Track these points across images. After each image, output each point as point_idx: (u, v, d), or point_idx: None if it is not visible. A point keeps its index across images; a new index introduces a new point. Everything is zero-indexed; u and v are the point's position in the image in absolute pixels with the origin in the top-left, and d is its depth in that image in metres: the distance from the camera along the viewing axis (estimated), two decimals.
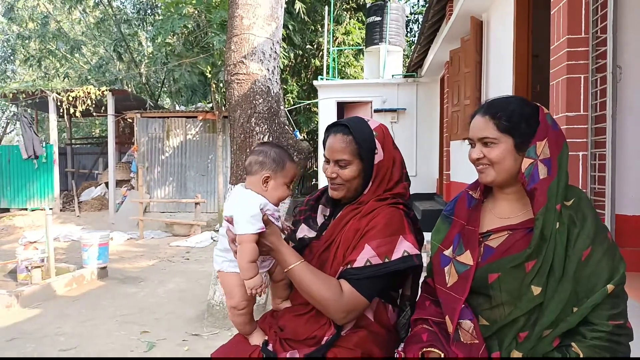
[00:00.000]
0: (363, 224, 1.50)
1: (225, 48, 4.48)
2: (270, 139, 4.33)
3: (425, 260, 1.67)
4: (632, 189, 3.07)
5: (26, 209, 11.66)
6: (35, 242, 8.14)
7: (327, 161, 1.60)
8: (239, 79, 4.31)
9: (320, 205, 1.71)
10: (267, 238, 1.44)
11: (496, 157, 1.40)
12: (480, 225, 1.47)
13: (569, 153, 3.21)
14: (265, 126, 4.32)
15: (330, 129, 1.63)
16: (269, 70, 4.40)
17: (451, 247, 1.49)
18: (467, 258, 1.42)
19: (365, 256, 1.43)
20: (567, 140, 3.25)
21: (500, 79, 5.29)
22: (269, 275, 1.62)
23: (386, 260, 1.43)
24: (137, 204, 10.05)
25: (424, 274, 1.63)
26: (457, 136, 6.99)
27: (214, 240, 8.91)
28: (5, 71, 19.87)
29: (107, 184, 11.82)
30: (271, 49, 4.41)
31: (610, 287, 1.27)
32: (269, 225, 1.46)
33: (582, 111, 3.14)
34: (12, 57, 19.19)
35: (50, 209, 11.33)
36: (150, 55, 10.79)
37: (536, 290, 1.30)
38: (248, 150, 4.31)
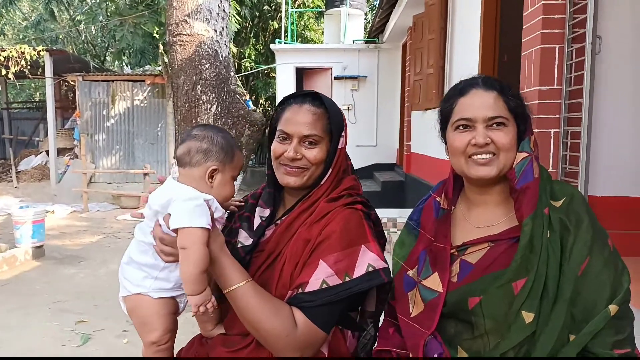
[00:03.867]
0: (314, 233, 1.17)
1: (167, 4, 3.98)
2: (219, 109, 3.93)
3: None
4: (605, 169, 2.90)
5: None
6: None
7: (285, 138, 1.26)
8: (182, 41, 3.84)
9: (258, 207, 1.35)
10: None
11: (509, 143, 1.12)
12: (454, 237, 1.20)
13: (541, 130, 3.01)
14: (213, 95, 3.91)
15: (291, 98, 1.30)
16: (216, 31, 3.95)
17: (416, 267, 1.20)
18: (434, 282, 1.15)
19: (321, 276, 1.11)
20: (539, 116, 3.05)
21: (466, 47, 5.03)
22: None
23: (347, 279, 1.12)
24: (81, 174, 9.39)
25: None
26: (419, 106, 6.75)
27: None
28: None
29: (48, 152, 11.01)
30: (219, 7, 3.95)
31: (613, 307, 1.03)
32: (212, 228, 1.12)
33: (555, 85, 2.93)
34: None
35: None
36: (88, 12, 9.84)
37: (528, 317, 1.04)
38: (194, 121, 3.90)
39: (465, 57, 5.03)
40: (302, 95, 1.29)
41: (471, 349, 1.11)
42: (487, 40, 4.41)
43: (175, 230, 1.09)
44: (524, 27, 3.16)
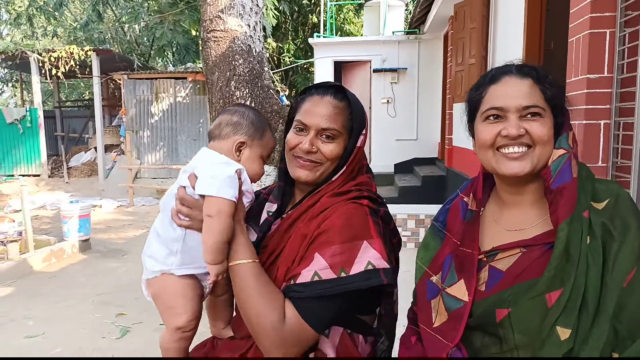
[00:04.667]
0: (312, 227, 1.11)
1: (201, 1, 3.99)
2: (253, 105, 3.91)
3: (407, 273, 1.28)
4: None
5: (12, 176, 11.30)
6: (20, 210, 7.84)
7: (302, 129, 1.20)
8: (216, 37, 3.84)
9: (267, 202, 1.30)
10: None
11: (546, 135, 1.01)
12: (482, 242, 1.10)
13: (590, 122, 2.82)
14: (247, 90, 3.89)
15: (313, 89, 1.24)
16: (249, 26, 3.92)
17: (440, 272, 1.11)
18: (460, 291, 1.05)
19: (314, 268, 1.04)
20: (587, 106, 2.85)
21: (509, 35, 4.79)
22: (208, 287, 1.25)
23: (342, 274, 1.03)
24: (127, 170, 9.69)
25: (408, 300, 1.25)
26: (461, 98, 6.52)
27: None
28: None
29: (96, 148, 11.43)
30: (252, 1, 3.92)
31: None
32: (239, 200, 1.10)
33: (606, 73, 2.71)
34: None
35: (38, 175, 11.00)
36: (131, 11, 10.08)
37: (564, 333, 0.93)
38: None
39: (508, 46, 4.80)
40: (325, 86, 1.23)
41: None
42: (532, 27, 4.17)
43: (202, 196, 1.07)
44: (571, 11, 2.95)
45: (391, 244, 1.19)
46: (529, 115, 1.02)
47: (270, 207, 1.28)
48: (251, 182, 1.18)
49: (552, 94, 1.03)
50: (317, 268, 1.04)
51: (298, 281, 1.05)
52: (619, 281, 0.93)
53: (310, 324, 1.03)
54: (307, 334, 1.03)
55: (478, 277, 1.06)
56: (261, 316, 1.02)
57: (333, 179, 1.19)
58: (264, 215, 1.27)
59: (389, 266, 1.07)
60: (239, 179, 1.10)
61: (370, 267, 1.05)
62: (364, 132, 1.21)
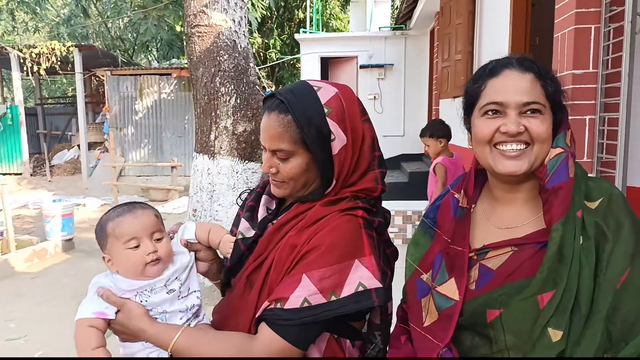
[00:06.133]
0: (302, 240, 1.06)
1: None
2: (238, 101, 3.86)
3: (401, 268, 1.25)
4: None
5: None
6: (0, 210, 7.69)
7: (264, 148, 1.16)
8: (200, 32, 3.78)
9: (264, 195, 1.24)
10: (121, 322, 1.09)
11: (545, 132, 0.98)
12: (473, 239, 1.07)
13: (575, 117, 2.82)
14: (232, 86, 3.84)
15: (267, 100, 1.15)
16: (234, 21, 3.87)
17: (431, 271, 1.09)
18: (450, 289, 1.03)
19: (303, 294, 1.00)
20: (572, 102, 2.85)
21: (495, 31, 4.80)
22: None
23: (332, 298, 1.00)
24: (111, 168, 9.55)
25: (399, 297, 1.23)
26: (447, 94, 6.53)
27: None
28: None
29: (80, 146, 11.25)
30: None
31: None
32: (123, 305, 1.09)
33: (591, 68, 2.73)
34: None
35: (19, 174, 10.79)
36: (114, 6, 9.92)
37: (555, 335, 0.91)
38: (213, 113, 3.84)
39: (494, 42, 4.81)
40: (274, 96, 1.12)
41: None
42: (518, 23, 4.18)
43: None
44: (556, 6, 2.96)
45: (385, 255, 1.15)
46: (528, 112, 0.98)
47: (269, 203, 1.23)
48: (145, 271, 1.13)
49: (553, 90, 1.01)
50: (307, 294, 1.00)
51: (287, 306, 1.00)
52: (612, 283, 0.91)
53: (298, 346, 1.02)
54: (294, 354, 1.03)
55: (468, 276, 1.04)
56: (231, 352, 1.03)
57: (326, 192, 1.12)
58: (261, 210, 1.22)
59: (381, 285, 1.02)
60: (111, 291, 1.10)
61: (361, 288, 1.01)
62: (333, 137, 1.07)
